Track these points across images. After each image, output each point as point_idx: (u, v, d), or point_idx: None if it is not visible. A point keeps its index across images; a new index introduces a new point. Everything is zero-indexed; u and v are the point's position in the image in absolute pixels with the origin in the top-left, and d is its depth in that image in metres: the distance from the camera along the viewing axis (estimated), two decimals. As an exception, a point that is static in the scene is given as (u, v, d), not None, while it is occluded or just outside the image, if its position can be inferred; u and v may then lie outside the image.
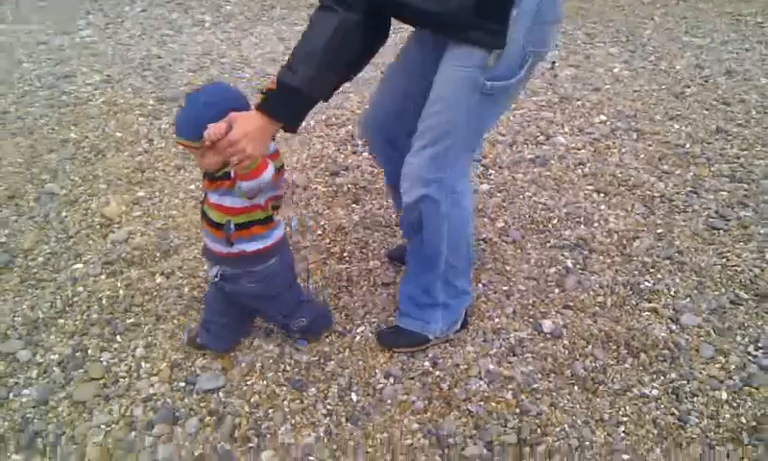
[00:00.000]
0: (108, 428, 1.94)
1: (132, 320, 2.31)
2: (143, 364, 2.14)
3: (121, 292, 2.42)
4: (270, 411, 1.98)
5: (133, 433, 1.92)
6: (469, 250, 2.12)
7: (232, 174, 1.73)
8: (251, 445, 1.89)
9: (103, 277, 2.51)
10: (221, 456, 1.86)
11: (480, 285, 2.47)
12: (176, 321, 2.30)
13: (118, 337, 2.24)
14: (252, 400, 2.02)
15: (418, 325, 2.17)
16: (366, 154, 3.30)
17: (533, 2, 1.66)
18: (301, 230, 2.65)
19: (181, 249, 2.65)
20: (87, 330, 2.27)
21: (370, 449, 1.88)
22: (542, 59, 1.85)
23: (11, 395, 2.05)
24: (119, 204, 2.93)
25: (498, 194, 3.05)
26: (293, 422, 1.95)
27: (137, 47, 5.15)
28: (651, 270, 2.55)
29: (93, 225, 2.81)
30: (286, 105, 1.68)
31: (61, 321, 2.31)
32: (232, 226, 1.81)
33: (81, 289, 2.44)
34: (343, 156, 3.31)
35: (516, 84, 1.79)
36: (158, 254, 2.62)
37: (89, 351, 2.19)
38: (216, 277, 1.94)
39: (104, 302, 2.38)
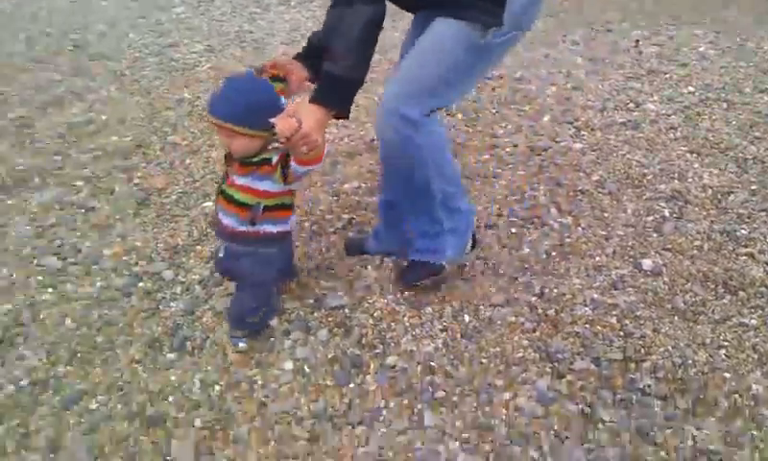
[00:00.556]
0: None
1: (260, 248, 2.58)
2: (274, 284, 2.41)
3: (249, 225, 2.70)
4: (392, 324, 2.22)
5: (272, 339, 2.19)
6: (456, 171, 2.29)
7: (275, 159, 1.89)
8: (377, 351, 2.13)
9: (231, 212, 2.79)
10: (351, 358, 2.10)
11: (579, 229, 2.66)
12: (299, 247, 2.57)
13: (249, 262, 2.51)
14: (374, 314, 2.26)
15: (430, 255, 2.33)
16: (461, 115, 3.52)
17: None
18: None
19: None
20: (222, 256, 2.55)
21: (483, 361, 2.10)
22: (523, 36, 2.02)
23: (160, 306, 2.34)
24: (237, 153, 3.22)
25: (592, 152, 3.22)
26: (413, 334, 2.18)
27: (229, 23, 5.48)
28: (747, 220, 2.69)
29: (215, 171, 3.10)
30: (334, 93, 1.85)
31: (199, 247, 2.60)
32: (261, 207, 1.94)
33: (213, 222, 2.74)
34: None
35: (499, 52, 2.01)
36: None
37: (225, 274, 2.46)
38: (220, 253, 2.09)
39: (234, 233, 2.66)
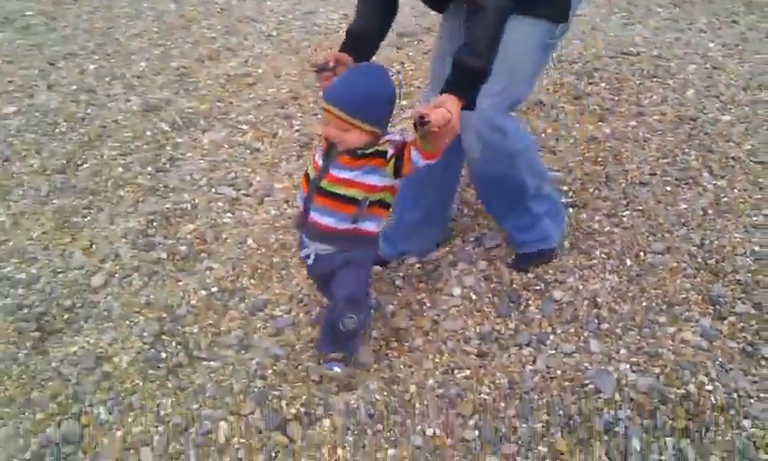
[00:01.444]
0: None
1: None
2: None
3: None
4: (551, 271, 2.38)
5: (439, 268, 2.39)
6: (542, 165, 2.43)
7: (390, 152, 1.79)
8: (537, 287, 2.30)
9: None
10: (508, 294, 2.29)
11: (735, 191, 2.73)
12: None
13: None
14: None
15: (537, 245, 2.39)
16: (604, 84, 3.62)
17: None
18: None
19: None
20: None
21: (645, 301, 2.23)
22: None
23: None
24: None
25: (741, 124, 3.26)
26: (580, 274, 2.34)
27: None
28: None
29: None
30: (471, 85, 1.84)
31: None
32: (368, 202, 1.82)
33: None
34: (582, 83, 3.64)
35: (554, 46, 2.16)
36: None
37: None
38: (308, 258, 1.94)
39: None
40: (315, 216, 1.84)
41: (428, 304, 2.27)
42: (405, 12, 4.22)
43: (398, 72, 3.71)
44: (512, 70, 2.01)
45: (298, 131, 3.28)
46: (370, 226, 1.87)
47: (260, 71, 3.92)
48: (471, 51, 1.80)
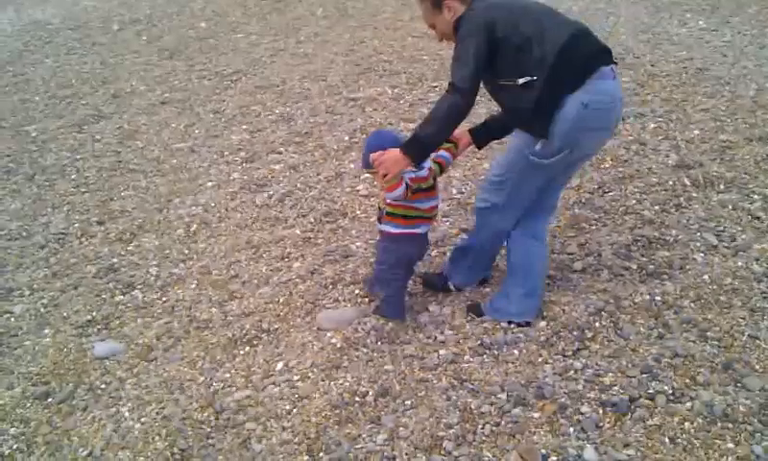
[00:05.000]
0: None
1: None
2: None
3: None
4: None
5: None
6: (540, 278, 2.90)
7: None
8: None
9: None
10: None
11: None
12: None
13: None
14: None
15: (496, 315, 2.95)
16: None
17: (573, 111, 2.40)
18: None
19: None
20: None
21: None
22: (581, 157, 2.72)
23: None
24: None
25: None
26: None
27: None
28: None
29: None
30: (414, 148, 2.61)
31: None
32: (384, 212, 2.92)
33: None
34: None
35: (549, 166, 2.60)
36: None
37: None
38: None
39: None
40: None
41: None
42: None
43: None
44: (505, 169, 2.76)
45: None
46: (386, 228, 2.95)
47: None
48: (423, 122, 2.61)
